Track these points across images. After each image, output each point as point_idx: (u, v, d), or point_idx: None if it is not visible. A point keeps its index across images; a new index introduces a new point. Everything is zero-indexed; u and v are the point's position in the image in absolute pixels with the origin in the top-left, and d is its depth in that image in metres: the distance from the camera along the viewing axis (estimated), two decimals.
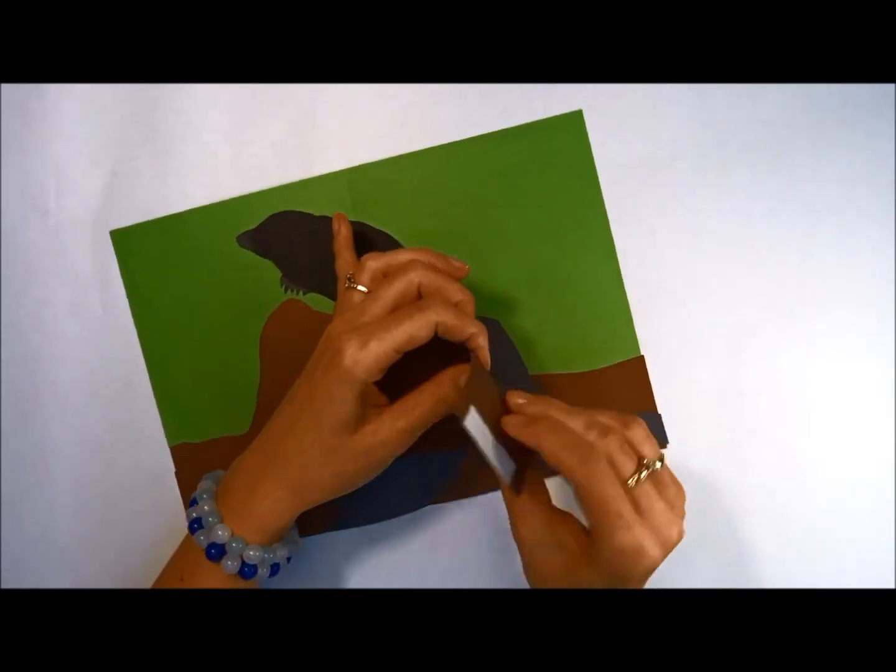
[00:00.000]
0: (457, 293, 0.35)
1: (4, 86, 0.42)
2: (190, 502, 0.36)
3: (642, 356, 0.42)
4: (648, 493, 0.30)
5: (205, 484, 0.37)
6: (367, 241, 0.42)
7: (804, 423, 0.42)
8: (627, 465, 0.30)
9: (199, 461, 0.42)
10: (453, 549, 0.42)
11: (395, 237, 0.42)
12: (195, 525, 0.35)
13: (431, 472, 0.42)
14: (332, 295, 0.42)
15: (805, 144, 0.42)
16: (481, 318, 0.38)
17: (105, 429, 0.43)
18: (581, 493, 0.29)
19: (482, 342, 0.34)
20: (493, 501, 0.42)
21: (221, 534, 0.34)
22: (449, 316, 0.33)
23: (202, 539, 0.34)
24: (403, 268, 0.35)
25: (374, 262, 0.36)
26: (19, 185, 0.43)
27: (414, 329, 0.32)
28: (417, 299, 0.35)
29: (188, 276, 0.42)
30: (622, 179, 0.42)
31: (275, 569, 0.36)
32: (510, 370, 0.41)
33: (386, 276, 0.36)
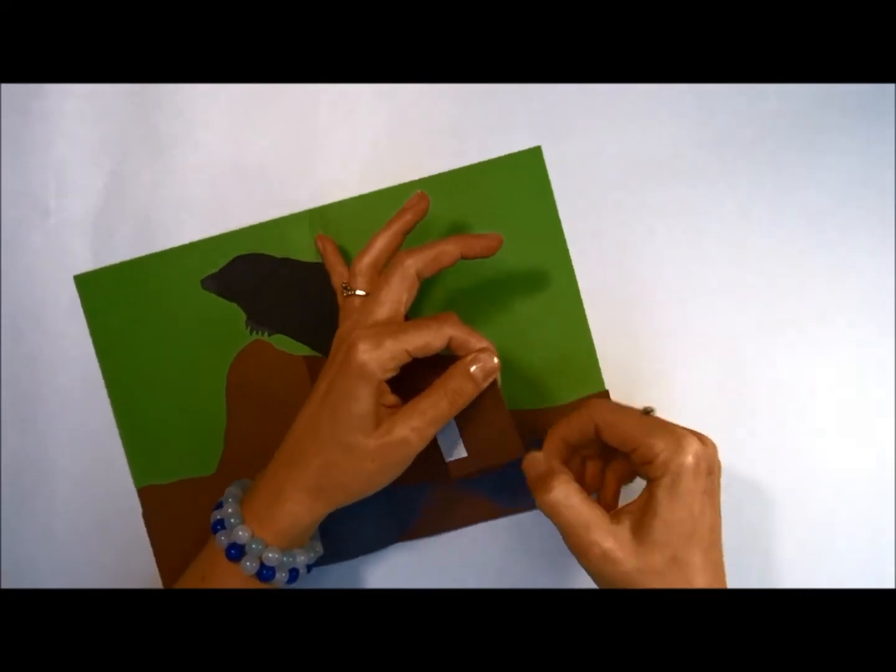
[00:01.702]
0: (452, 251, 0.35)
1: (4, 86, 0.42)
2: (215, 506, 0.36)
3: (607, 391, 0.42)
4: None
5: (231, 489, 0.37)
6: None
7: (804, 423, 0.42)
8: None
9: (166, 503, 0.42)
10: (462, 549, 0.42)
11: None
12: (217, 526, 0.35)
13: (399, 509, 0.42)
14: (297, 336, 0.42)
15: (805, 144, 0.42)
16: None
17: (105, 429, 0.43)
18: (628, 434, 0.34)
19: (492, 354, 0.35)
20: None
21: (241, 534, 0.34)
22: (462, 331, 0.34)
23: (223, 539, 0.34)
24: (396, 260, 0.35)
25: (362, 264, 0.37)
26: (19, 185, 0.43)
27: (430, 336, 0.33)
28: (418, 280, 0.35)
29: (153, 320, 0.42)
30: (621, 180, 0.42)
31: (293, 575, 0.36)
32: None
33: (380, 273, 0.36)
